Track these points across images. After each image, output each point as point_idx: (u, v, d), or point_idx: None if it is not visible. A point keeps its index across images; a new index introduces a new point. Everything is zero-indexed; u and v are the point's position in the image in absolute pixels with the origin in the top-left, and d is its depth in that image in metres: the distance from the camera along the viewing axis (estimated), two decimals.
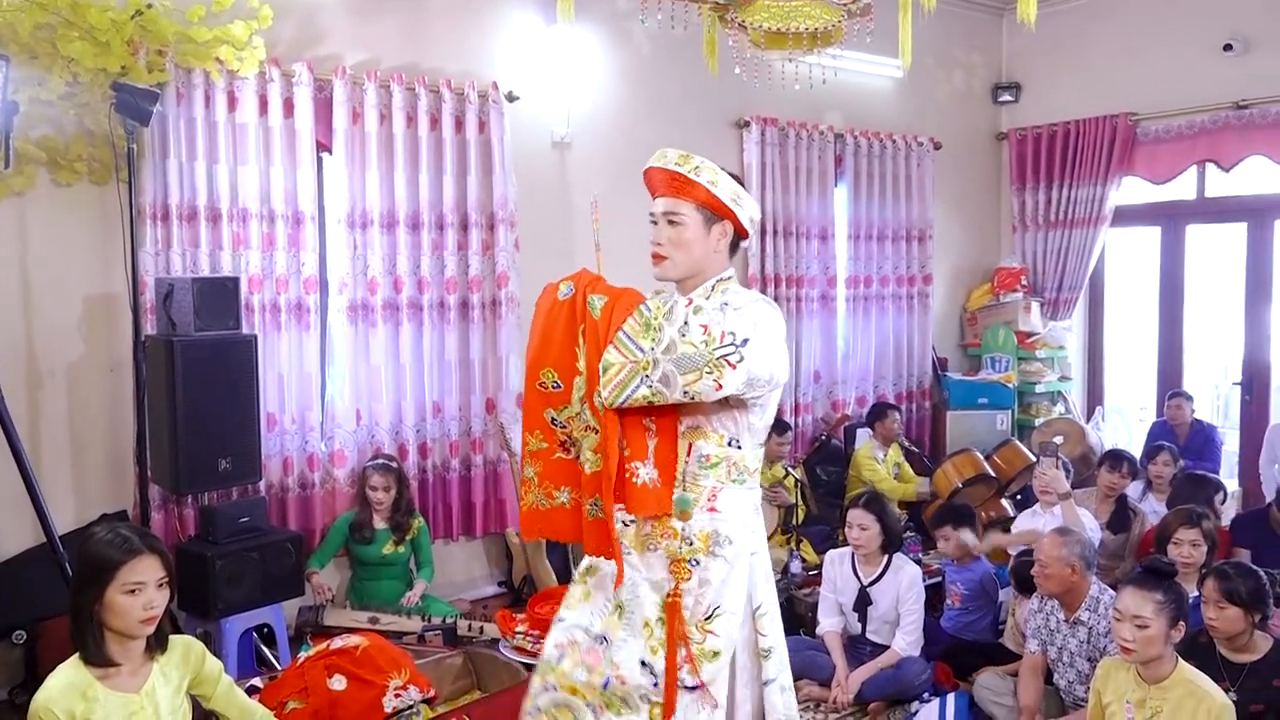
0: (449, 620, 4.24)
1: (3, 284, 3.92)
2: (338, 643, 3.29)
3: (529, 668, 3.40)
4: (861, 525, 3.94)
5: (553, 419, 2.33)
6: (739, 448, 2.19)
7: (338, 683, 3.06)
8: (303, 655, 3.32)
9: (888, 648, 3.90)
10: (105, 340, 4.15)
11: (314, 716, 2.96)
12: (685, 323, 2.13)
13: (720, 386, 2.03)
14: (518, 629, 3.53)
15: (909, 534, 5.23)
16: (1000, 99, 7.40)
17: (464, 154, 4.92)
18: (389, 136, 4.73)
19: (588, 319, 2.24)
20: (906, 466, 5.99)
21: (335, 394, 4.72)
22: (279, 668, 3.75)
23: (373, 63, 4.73)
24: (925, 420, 6.99)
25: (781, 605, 4.42)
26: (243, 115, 4.32)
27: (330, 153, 4.65)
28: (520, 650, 3.47)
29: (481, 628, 4.21)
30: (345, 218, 4.65)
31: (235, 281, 4.03)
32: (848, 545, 4.10)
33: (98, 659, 2.18)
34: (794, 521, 5.38)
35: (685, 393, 2.03)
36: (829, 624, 4.04)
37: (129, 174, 3.94)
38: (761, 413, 2.22)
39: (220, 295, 3.90)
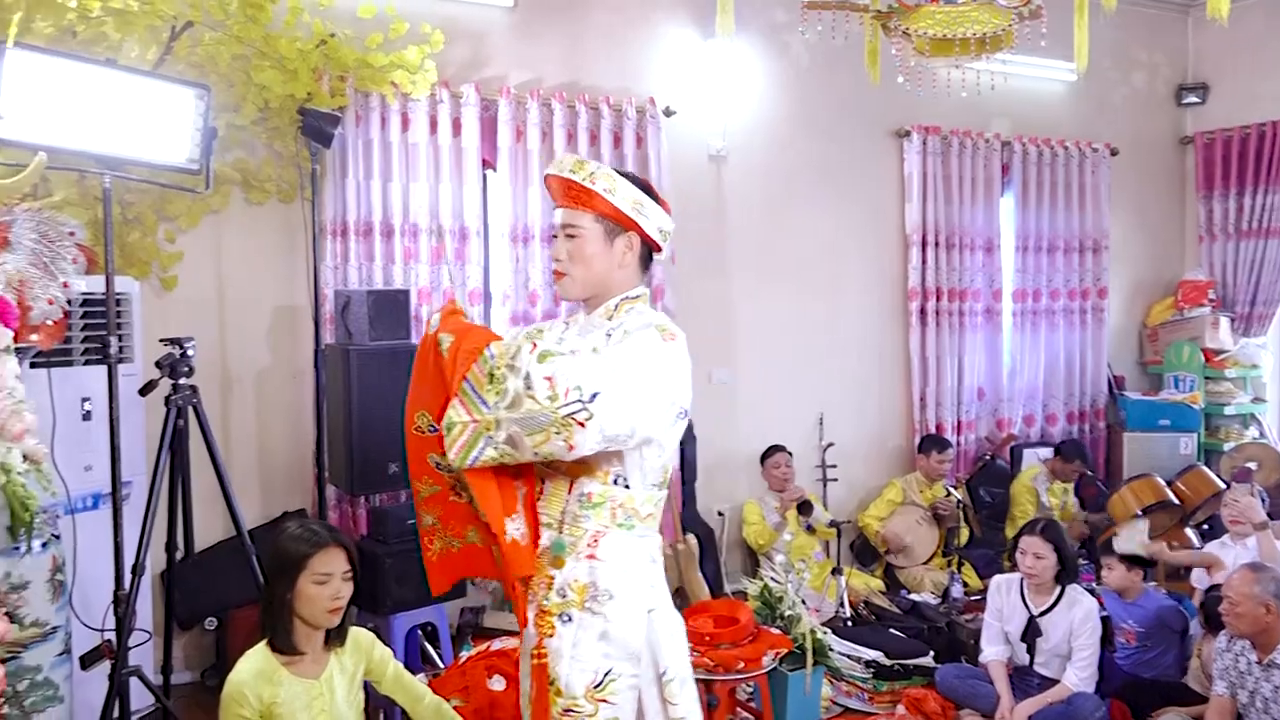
0: None
1: (202, 296, 4.24)
2: (497, 644, 3.38)
3: None
4: (1037, 554, 3.75)
5: (436, 463, 2.06)
6: (627, 487, 1.90)
7: (497, 683, 3.14)
8: (464, 655, 3.43)
9: (1057, 681, 3.70)
10: (289, 348, 4.42)
11: (474, 715, 3.04)
12: (527, 374, 1.73)
13: (573, 447, 1.73)
14: None
15: (1082, 563, 4.96)
16: (1185, 100, 6.95)
17: (621, 168, 4.98)
18: (550, 153, 4.86)
19: (440, 359, 1.92)
20: (1072, 504, 5.69)
21: None
22: (441, 666, 3.88)
23: (535, 82, 4.88)
24: (1099, 442, 6.60)
25: (941, 630, 4.34)
26: (414, 135, 4.54)
27: (495, 169, 4.82)
28: None
29: None
30: (508, 232, 4.80)
31: (406, 294, 4.23)
32: (1014, 571, 3.92)
33: (285, 646, 2.32)
34: (956, 543, 5.18)
35: (536, 454, 1.76)
36: (993, 652, 3.87)
37: (312, 193, 4.20)
38: (659, 451, 1.92)
39: (392, 307, 4.09)
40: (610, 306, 1.97)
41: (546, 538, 1.92)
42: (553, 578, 1.89)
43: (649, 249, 2.03)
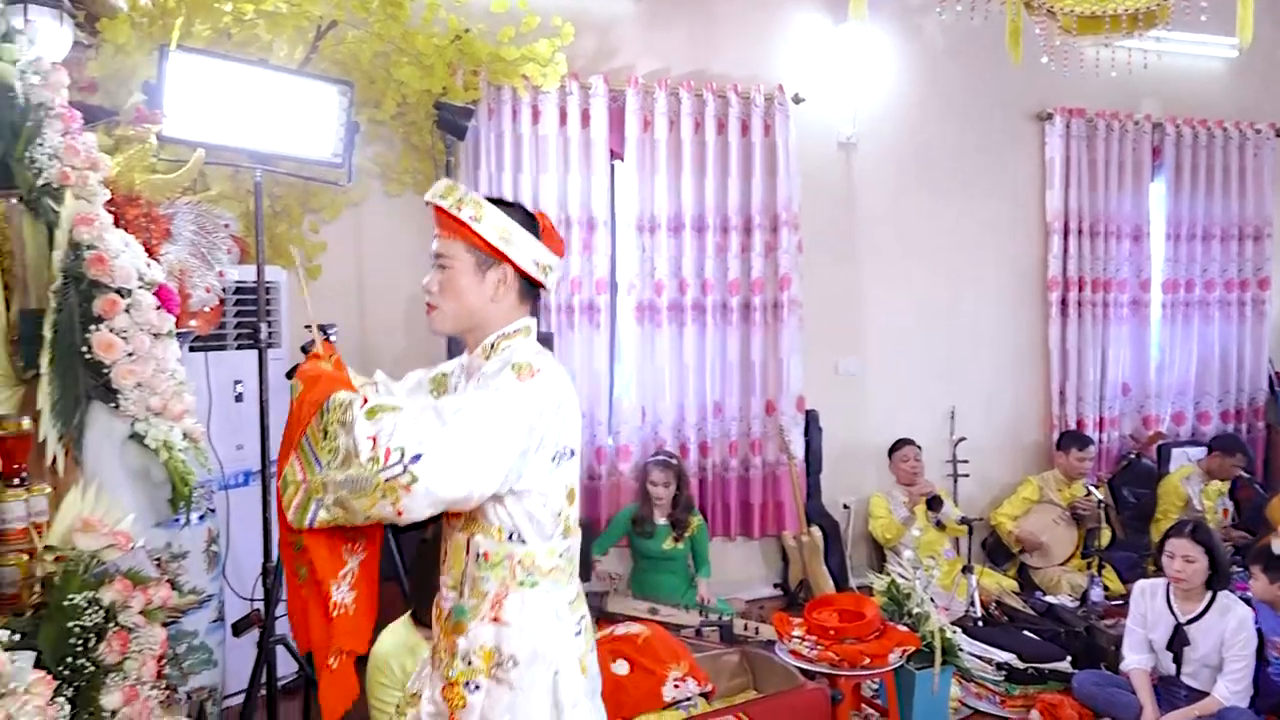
0: (726, 618, 4.29)
1: (343, 285, 4.43)
2: (621, 629, 3.41)
3: (806, 673, 3.37)
4: (1187, 557, 3.55)
5: None
6: (523, 542, 1.74)
7: (620, 667, 3.18)
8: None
9: (1207, 694, 3.49)
10: (424, 335, 4.57)
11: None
12: (354, 433, 1.59)
13: (400, 513, 1.57)
14: (794, 633, 3.50)
15: (1236, 570, 4.66)
16: None
17: (749, 157, 4.97)
18: (677, 142, 4.86)
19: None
20: (1228, 507, 5.35)
21: (622, 391, 4.92)
22: None
23: (663, 71, 4.89)
24: (1258, 442, 6.19)
25: (1079, 634, 4.16)
26: (544, 127, 4.62)
27: (622, 160, 4.86)
28: (796, 654, 3.43)
29: (757, 628, 4.22)
30: (635, 222, 4.84)
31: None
32: (1159, 576, 3.72)
33: (427, 620, 2.40)
34: (1095, 545, 4.95)
35: (368, 518, 1.61)
36: (1136, 660, 3.68)
37: None
38: (543, 500, 1.74)
39: None
40: (487, 345, 1.80)
41: (449, 602, 1.82)
42: (456, 645, 1.76)
43: (530, 283, 1.82)
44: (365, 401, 1.62)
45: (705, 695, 3.31)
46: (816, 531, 4.89)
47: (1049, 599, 4.77)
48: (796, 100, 5.06)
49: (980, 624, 4.32)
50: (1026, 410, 5.84)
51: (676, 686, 3.22)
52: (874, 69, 5.32)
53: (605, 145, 4.74)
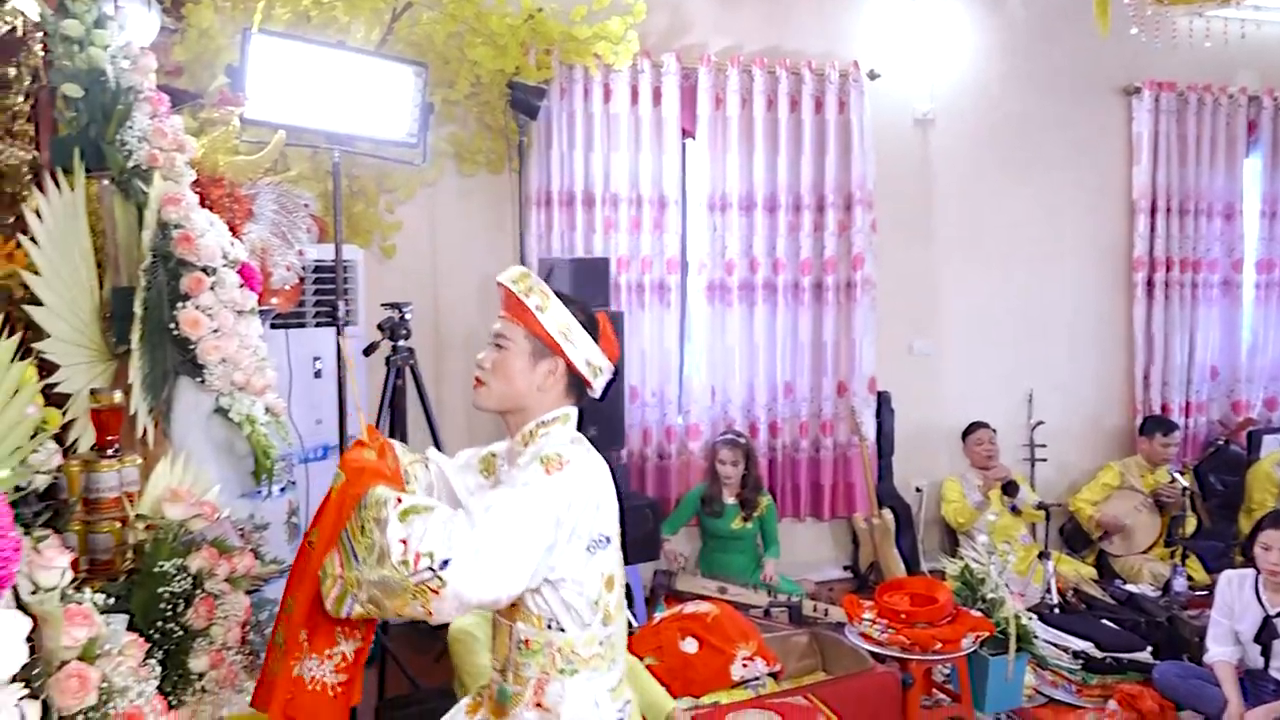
0: (795, 599, 4.28)
1: (418, 263, 4.50)
2: (690, 608, 3.43)
3: (877, 657, 3.34)
4: None
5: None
6: (561, 630, 1.75)
7: (689, 645, 3.19)
8: (658, 616, 3.50)
9: None
10: (495, 315, 4.62)
11: (667, 674, 3.10)
12: (386, 534, 1.61)
13: (431, 614, 1.60)
14: (865, 615, 3.47)
15: None
16: None
17: (823, 135, 4.90)
18: (749, 120, 4.82)
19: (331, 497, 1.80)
20: None
21: (692, 370, 4.91)
22: (635, 625, 3.98)
23: (735, 48, 4.84)
24: None
25: (1161, 624, 4.05)
26: (616, 106, 4.61)
27: (694, 138, 4.83)
28: (866, 637, 3.40)
29: (826, 609, 4.20)
30: (706, 201, 4.82)
31: (606, 262, 4.33)
32: (1247, 566, 3.59)
33: None
34: (1179, 533, 4.81)
35: (400, 616, 1.64)
36: (1221, 653, 3.57)
37: (519, 164, 4.36)
38: (578, 589, 1.74)
39: (593, 274, 4.19)
40: (526, 432, 1.81)
41: (495, 683, 1.85)
42: None
43: (579, 381, 1.84)
44: (399, 502, 1.63)
45: (774, 675, 3.31)
46: (888, 514, 4.84)
47: (1129, 587, 4.64)
48: (872, 76, 4.97)
49: (1057, 611, 4.23)
50: (1108, 394, 5.68)
51: (745, 666, 3.22)
52: (952, 43, 5.20)
53: (677, 123, 4.72)
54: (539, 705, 1.74)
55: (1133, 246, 5.55)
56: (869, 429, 4.99)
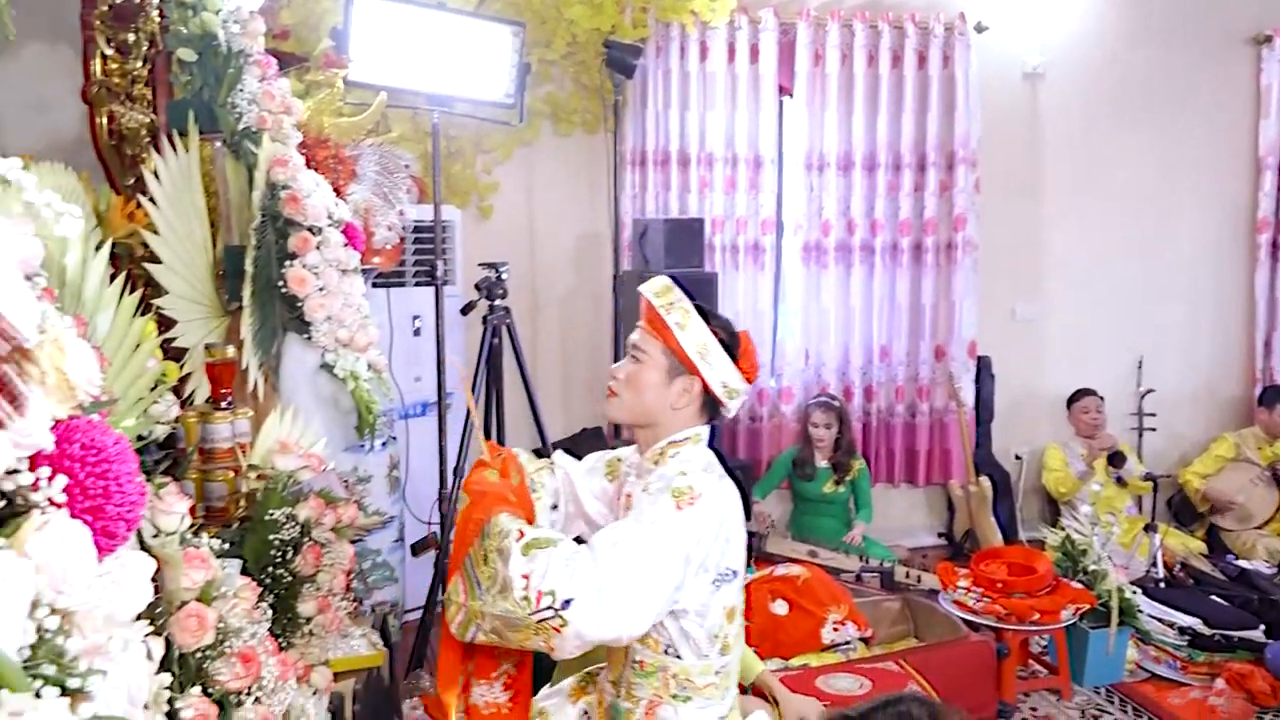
0: (887, 564, 4.24)
1: (515, 224, 4.54)
2: (780, 570, 3.43)
3: (971, 625, 3.29)
4: None
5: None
6: (678, 657, 1.73)
7: (779, 607, 3.20)
8: (748, 578, 3.51)
9: None
10: (591, 273, 4.65)
11: (758, 635, 3.11)
12: (509, 567, 1.58)
13: (553, 649, 1.58)
14: (960, 583, 3.41)
15: None
16: None
17: (925, 91, 4.75)
18: (849, 77, 4.70)
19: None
20: None
21: (786, 333, 4.87)
22: None
23: (835, 3, 4.72)
24: None
25: (1276, 603, 3.87)
26: (712, 64, 4.55)
27: (791, 96, 4.74)
28: (961, 605, 3.35)
29: (919, 576, 4.15)
30: (803, 160, 4.73)
31: (700, 222, 4.30)
32: None
33: None
34: None
35: (523, 647, 1.64)
36: None
37: (614, 123, 4.35)
38: (700, 621, 1.70)
39: (687, 235, 4.17)
40: (657, 450, 1.79)
41: (608, 695, 1.84)
42: None
43: (713, 401, 1.80)
44: (522, 535, 1.61)
45: (865, 640, 3.29)
46: (985, 482, 4.73)
47: (1242, 563, 4.46)
48: (979, 29, 4.78)
49: (1163, 586, 4.09)
50: (1224, 362, 5.43)
51: (835, 630, 3.21)
52: None
53: (774, 81, 4.63)
54: None
55: (1257, 206, 5.26)
56: (967, 395, 4.87)
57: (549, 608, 1.53)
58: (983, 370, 4.98)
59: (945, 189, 4.79)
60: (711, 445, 1.85)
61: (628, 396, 1.80)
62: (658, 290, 1.78)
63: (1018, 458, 5.15)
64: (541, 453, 3.67)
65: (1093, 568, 3.51)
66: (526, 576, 1.55)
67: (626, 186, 4.51)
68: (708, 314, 1.80)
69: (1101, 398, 4.85)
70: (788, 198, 4.80)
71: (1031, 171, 5.09)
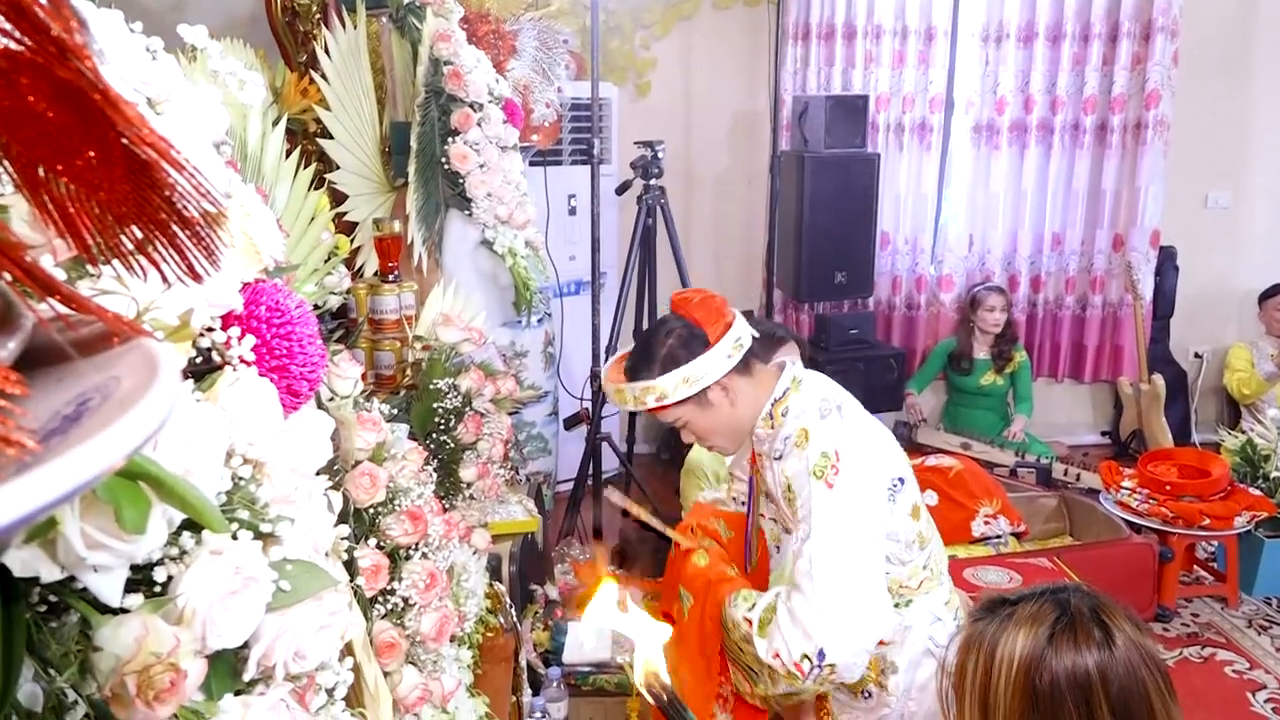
0: (1044, 460, 4.10)
1: (672, 102, 4.46)
2: (932, 460, 3.37)
3: (1133, 527, 3.17)
4: None
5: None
6: (886, 573, 1.70)
7: (929, 497, 3.15)
8: None
9: None
10: (747, 153, 4.55)
11: None
12: (760, 655, 1.60)
13: (848, 680, 1.64)
14: (1124, 483, 3.27)
15: None
16: None
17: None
18: None
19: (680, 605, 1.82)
20: None
21: (949, 218, 4.65)
22: None
23: None
24: None
25: None
26: None
27: None
28: (1124, 506, 3.22)
29: (1079, 474, 4.00)
30: (980, 31, 4.42)
31: (864, 100, 4.10)
32: None
33: None
34: None
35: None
36: None
37: None
38: (895, 537, 1.72)
39: (850, 113, 4.00)
40: (765, 418, 1.76)
41: None
42: None
43: (744, 359, 1.75)
44: (750, 623, 1.64)
45: (1017, 535, 3.23)
46: (1158, 380, 4.46)
47: None
48: None
49: None
50: None
51: (987, 523, 3.16)
52: None
53: None
54: (880, 643, 1.71)
55: None
56: (1146, 287, 4.56)
57: (813, 669, 1.56)
58: (1165, 262, 4.65)
59: (1138, 62, 4.39)
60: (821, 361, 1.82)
61: (716, 439, 1.82)
62: (624, 402, 1.75)
63: (1197, 356, 4.83)
64: None
65: (1275, 474, 3.30)
66: (777, 655, 1.59)
67: (787, 62, 4.33)
68: (648, 351, 1.74)
69: None
70: (960, 73, 4.50)
71: (1242, 42, 4.59)
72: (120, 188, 0.39)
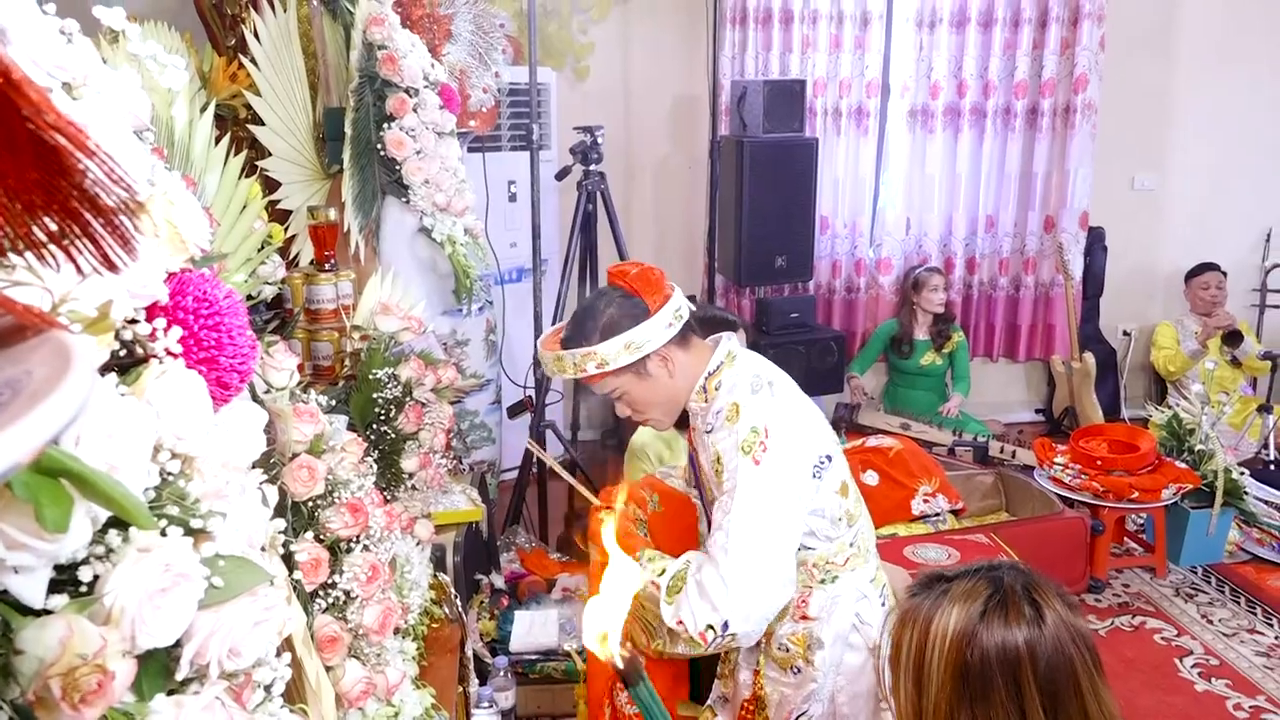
0: (981, 439, 4.19)
1: (611, 87, 4.44)
2: (872, 441, 3.42)
3: (1066, 501, 3.25)
4: None
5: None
6: (811, 548, 1.73)
7: (870, 478, 3.20)
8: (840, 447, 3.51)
9: None
10: (687, 138, 4.55)
11: None
12: (666, 621, 1.64)
13: (744, 645, 1.75)
14: (1057, 459, 3.36)
15: None
16: None
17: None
18: None
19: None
20: None
21: (887, 201, 4.71)
22: None
23: None
24: None
25: None
26: None
27: None
28: (1057, 481, 3.31)
29: (1014, 451, 4.10)
30: (914, 16, 4.47)
31: (801, 84, 4.13)
32: None
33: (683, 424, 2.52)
34: None
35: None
36: None
37: None
38: (819, 512, 1.71)
39: (787, 98, 4.02)
40: (699, 391, 1.76)
41: None
42: (773, 636, 1.79)
43: (682, 331, 1.74)
44: (657, 587, 1.66)
45: (955, 512, 3.29)
46: (1089, 358, 4.59)
47: None
48: None
49: (1273, 468, 3.95)
50: None
51: (926, 501, 3.22)
52: None
53: None
54: (804, 618, 1.74)
55: None
56: (1076, 267, 4.67)
57: (716, 638, 1.60)
58: (1095, 242, 4.77)
59: (1066, 47, 4.48)
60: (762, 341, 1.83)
61: (652, 412, 1.80)
62: (562, 370, 1.73)
63: (1126, 334, 4.97)
64: None
65: (1199, 447, 3.41)
66: (682, 623, 1.62)
67: (726, 46, 4.34)
68: (590, 315, 1.73)
69: (1224, 273, 4.61)
70: (895, 58, 4.56)
71: (1166, 27, 4.71)
72: (28, 175, 0.37)
